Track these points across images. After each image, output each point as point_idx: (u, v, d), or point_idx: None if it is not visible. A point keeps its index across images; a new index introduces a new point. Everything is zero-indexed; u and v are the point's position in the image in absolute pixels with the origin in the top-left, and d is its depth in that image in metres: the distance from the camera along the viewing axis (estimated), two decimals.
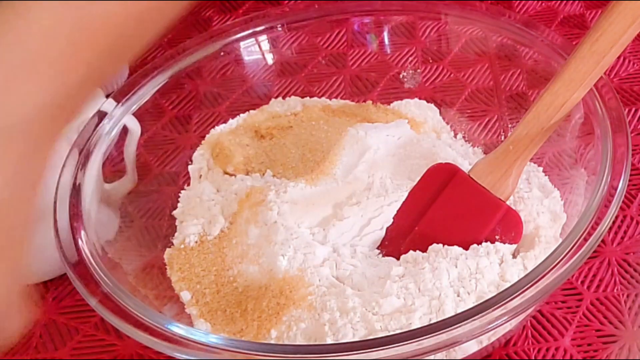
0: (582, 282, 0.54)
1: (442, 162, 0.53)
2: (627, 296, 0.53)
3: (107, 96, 0.57)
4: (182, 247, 0.53)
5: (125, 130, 0.56)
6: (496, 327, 0.39)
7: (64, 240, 0.46)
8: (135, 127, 0.56)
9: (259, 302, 0.48)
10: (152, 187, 0.59)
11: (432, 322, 0.42)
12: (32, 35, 0.35)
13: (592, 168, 0.49)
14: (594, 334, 0.51)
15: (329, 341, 0.44)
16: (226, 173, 0.58)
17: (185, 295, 0.50)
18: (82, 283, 0.43)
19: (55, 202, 0.48)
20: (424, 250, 0.49)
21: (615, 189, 0.44)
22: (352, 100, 0.66)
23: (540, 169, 0.56)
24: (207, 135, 0.61)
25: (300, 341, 0.45)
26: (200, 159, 0.59)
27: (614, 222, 0.53)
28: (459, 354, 0.47)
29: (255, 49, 0.64)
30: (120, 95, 0.56)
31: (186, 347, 0.40)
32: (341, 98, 0.66)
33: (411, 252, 0.49)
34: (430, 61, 0.67)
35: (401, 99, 0.64)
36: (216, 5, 0.86)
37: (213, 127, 0.62)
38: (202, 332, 0.41)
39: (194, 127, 0.64)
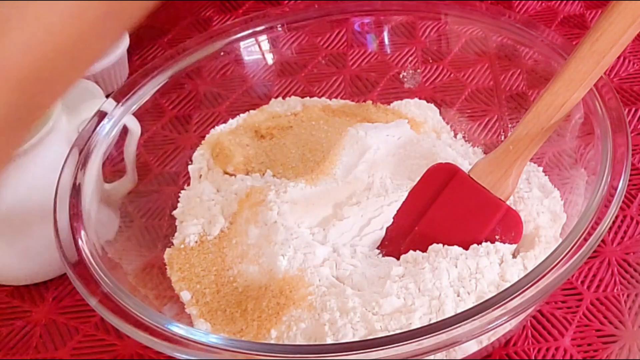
0: (582, 282, 0.54)
1: (442, 162, 0.53)
2: (627, 296, 0.53)
3: (107, 96, 0.57)
4: (182, 247, 0.53)
5: (125, 130, 0.56)
6: (496, 327, 0.39)
7: (64, 240, 0.46)
8: (135, 127, 0.56)
9: (259, 302, 0.48)
10: (152, 187, 0.59)
11: (432, 322, 0.42)
12: None
13: (592, 168, 0.49)
14: (594, 334, 0.51)
15: (329, 341, 0.44)
16: (226, 173, 0.58)
17: (185, 295, 0.50)
18: (82, 283, 0.43)
19: (55, 202, 0.48)
20: (424, 250, 0.49)
21: (615, 189, 0.44)
22: (352, 100, 0.66)
23: (540, 169, 0.56)
24: (207, 135, 0.61)
25: (300, 341, 0.45)
26: (200, 159, 0.59)
27: (614, 222, 0.53)
28: (459, 354, 0.47)
29: (255, 49, 0.64)
30: (120, 95, 0.56)
31: (186, 347, 0.40)
32: (341, 98, 0.66)
33: (411, 252, 0.49)
34: (430, 61, 0.67)
35: (401, 99, 0.64)
36: (216, 5, 0.86)
37: (213, 127, 0.62)
38: (202, 332, 0.41)
39: (194, 127, 0.64)
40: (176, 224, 0.55)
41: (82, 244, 0.46)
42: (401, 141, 0.57)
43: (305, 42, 0.67)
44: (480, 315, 0.39)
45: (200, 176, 0.58)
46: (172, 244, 0.54)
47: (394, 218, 0.53)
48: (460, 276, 0.46)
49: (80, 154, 0.51)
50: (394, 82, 0.66)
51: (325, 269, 0.48)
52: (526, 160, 0.50)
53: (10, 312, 0.57)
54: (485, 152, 0.60)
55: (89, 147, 0.52)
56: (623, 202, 0.50)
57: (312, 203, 0.52)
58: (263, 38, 0.63)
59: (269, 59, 0.66)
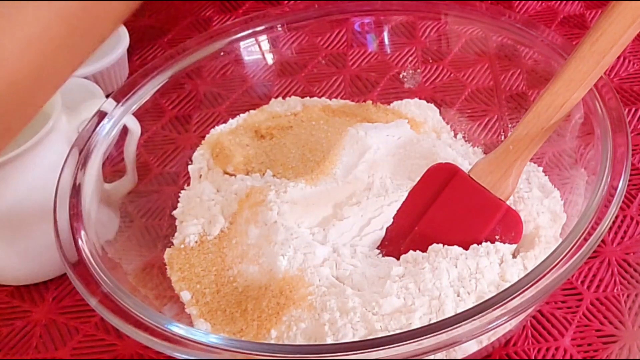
0: (582, 282, 0.54)
1: (442, 162, 0.53)
2: (627, 296, 0.53)
3: (107, 96, 0.57)
4: (182, 247, 0.53)
5: (125, 130, 0.56)
6: (496, 327, 0.39)
7: (64, 240, 0.46)
8: (135, 127, 0.56)
9: (259, 302, 0.48)
10: (152, 187, 0.59)
11: (432, 322, 0.42)
12: None
13: (592, 168, 0.49)
14: (594, 334, 0.51)
15: (329, 341, 0.44)
16: (226, 173, 0.58)
17: (185, 295, 0.50)
18: (82, 283, 0.43)
19: (55, 202, 0.48)
20: (424, 250, 0.49)
21: (615, 189, 0.44)
22: (352, 100, 0.66)
23: (540, 169, 0.56)
24: (207, 135, 0.61)
25: (300, 341, 0.45)
26: (200, 159, 0.59)
27: (614, 222, 0.53)
28: (459, 354, 0.47)
29: (255, 49, 0.64)
30: (120, 95, 0.56)
31: (186, 347, 0.40)
32: (341, 98, 0.66)
33: (411, 252, 0.49)
34: (430, 61, 0.67)
35: (401, 99, 0.64)
36: (216, 5, 0.86)
37: (213, 127, 0.62)
38: (202, 332, 0.41)
39: (194, 127, 0.64)
40: (176, 224, 0.55)
41: (82, 244, 0.46)
42: (401, 141, 0.57)
43: (305, 42, 0.67)
44: (480, 315, 0.39)
45: (200, 176, 0.58)
46: (172, 244, 0.54)
47: (394, 218, 0.53)
48: (460, 276, 0.46)
49: (80, 154, 0.51)
50: (394, 82, 0.66)
51: (325, 269, 0.48)
52: (526, 160, 0.50)
53: (10, 312, 0.57)
54: (485, 152, 0.60)
55: (89, 147, 0.52)
56: (623, 202, 0.50)
57: (312, 203, 0.52)
58: (263, 38, 0.63)
59: (269, 59, 0.66)
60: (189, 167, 0.59)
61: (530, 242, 0.51)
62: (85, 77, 0.69)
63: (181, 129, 0.63)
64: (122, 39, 0.74)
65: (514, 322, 0.48)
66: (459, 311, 0.43)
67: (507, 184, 0.50)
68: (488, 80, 0.65)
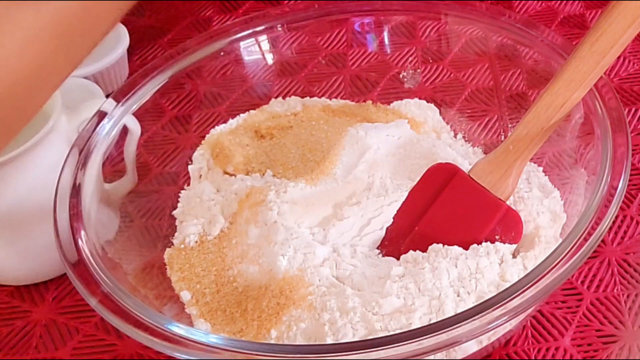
0: (582, 282, 0.54)
1: (442, 162, 0.53)
2: (627, 296, 0.53)
3: (107, 96, 0.57)
4: (182, 247, 0.53)
5: (125, 130, 0.56)
6: (496, 327, 0.39)
7: (64, 240, 0.46)
8: (135, 127, 0.56)
9: (259, 302, 0.48)
10: (152, 187, 0.59)
11: (432, 322, 0.42)
12: None
13: (592, 168, 0.49)
14: (594, 334, 0.51)
15: (329, 341, 0.44)
16: (226, 173, 0.58)
17: (185, 295, 0.50)
18: (82, 283, 0.43)
19: (55, 202, 0.48)
20: (424, 250, 0.49)
21: (615, 189, 0.44)
22: (352, 100, 0.66)
23: (540, 169, 0.56)
24: (207, 135, 0.61)
25: (300, 341, 0.45)
26: (200, 159, 0.59)
27: (614, 222, 0.53)
28: (459, 354, 0.47)
29: (255, 49, 0.64)
30: (120, 95, 0.56)
31: (186, 347, 0.40)
32: (341, 98, 0.66)
33: (411, 252, 0.49)
34: (430, 61, 0.67)
35: (401, 99, 0.64)
36: (216, 5, 0.86)
37: (213, 127, 0.62)
38: (202, 332, 0.41)
39: (194, 127, 0.64)
40: (176, 224, 0.55)
41: (82, 244, 0.46)
42: (401, 141, 0.57)
43: (305, 42, 0.67)
44: (480, 315, 0.39)
45: (200, 176, 0.58)
46: (172, 244, 0.54)
47: (394, 218, 0.53)
48: (460, 276, 0.46)
49: (80, 154, 0.51)
50: (394, 82, 0.66)
51: (325, 269, 0.48)
52: (526, 160, 0.50)
53: (10, 312, 0.57)
54: (485, 152, 0.60)
55: (89, 147, 0.52)
56: (623, 202, 0.50)
57: (312, 203, 0.52)
58: (263, 38, 0.63)
59: (269, 59, 0.66)
60: (189, 167, 0.59)
61: (530, 242, 0.51)
62: (85, 77, 0.69)
63: (181, 129, 0.63)
64: (122, 39, 0.74)
65: (514, 322, 0.48)
66: (459, 311, 0.43)
67: (507, 184, 0.50)
68: (488, 80, 0.65)
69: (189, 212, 0.55)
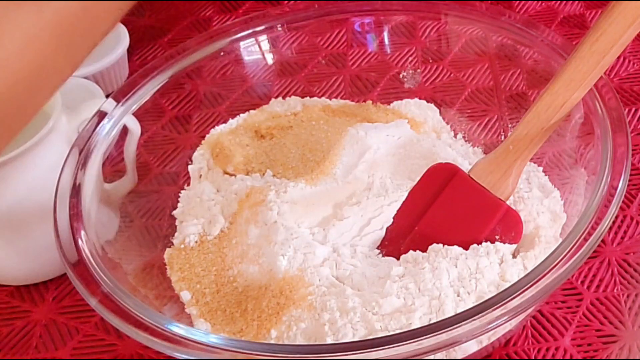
0: (582, 282, 0.54)
1: (442, 162, 0.53)
2: (627, 296, 0.53)
3: (107, 96, 0.57)
4: (182, 247, 0.53)
5: (125, 130, 0.56)
6: (496, 327, 0.39)
7: (64, 240, 0.46)
8: (135, 127, 0.56)
9: (259, 302, 0.48)
10: (152, 187, 0.59)
11: (432, 322, 0.42)
12: None
13: (592, 168, 0.49)
14: (594, 334, 0.51)
15: (329, 341, 0.44)
16: (226, 173, 0.58)
17: (185, 295, 0.50)
18: (82, 283, 0.43)
19: (55, 202, 0.48)
20: (424, 250, 0.49)
21: (615, 189, 0.44)
22: (352, 100, 0.66)
23: (540, 169, 0.56)
24: (207, 135, 0.61)
25: (300, 341, 0.45)
26: (200, 159, 0.59)
27: (614, 222, 0.53)
28: (459, 354, 0.47)
29: (255, 49, 0.64)
30: (120, 95, 0.56)
31: (186, 347, 0.40)
32: (341, 98, 0.66)
33: (411, 252, 0.49)
34: (430, 61, 0.67)
35: (401, 99, 0.64)
36: (216, 5, 0.86)
37: (213, 127, 0.62)
38: (202, 332, 0.41)
39: (194, 127, 0.64)
40: (176, 224, 0.55)
41: (82, 244, 0.46)
42: (401, 141, 0.57)
43: (305, 42, 0.67)
44: (480, 315, 0.39)
45: (200, 176, 0.58)
46: (172, 244, 0.54)
47: (394, 218, 0.53)
48: (460, 276, 0.46)
49: (80, 154, 0.51)
50: (394, 82, 0.66)
51: (325, 269, 0.48)
52: (526, 160, 0.50)
53: (10, 312, 0.57)
54: (485, 152, 0.60)
55: (89, 147, 0.52)
56: (623, 202, 0.50)
57: (312, 203, 0.52)
58: (263, 38, 0.63)
59: (269, 59, 0.66)
60: (189, 167, 0.59)
61: (530, 242, 0.51)
62: (85, 77, 0.69)
63: (181, 129, 0.63)
64: (122, 39, 0.74)
65: (514, 322, 0.48)
66: (459, 311, 0.43)
67: (507, 184, 0.50)
68: (488, 80, 0.65)
69: (189, 212, 0.55)
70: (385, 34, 0.67)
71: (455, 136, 0.62)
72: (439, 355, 0.46)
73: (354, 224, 0.52)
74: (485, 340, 0.48)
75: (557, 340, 0.51)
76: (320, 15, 0.63)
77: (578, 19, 0.78)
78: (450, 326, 0.38)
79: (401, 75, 0.66)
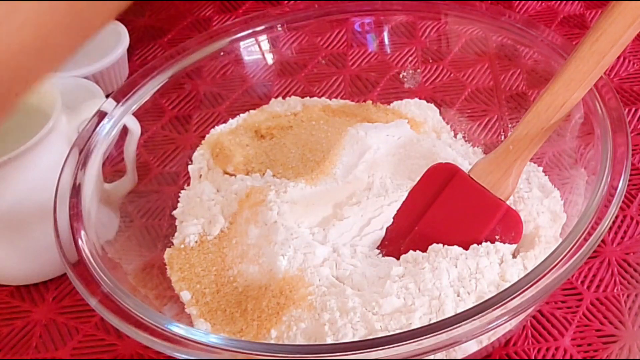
0: (582, 282, 0.54)
1: (442, 162, 0.53)
2: (627, 296, 0.53)
3: (107, 96, 0.57)
4: (182, 247, 0.53)
5: (125, 130, 0.56)
6: (496, 327, 0.39)
7: (64, 240, 0.46)
8: (135, 127, 0.56)
9: (259, 302, 0.48)
10: (152, 187, 0.59)
11: (432, 322, 0.42)
12: None
13: (592, 168, 0.49)
14: (594, 334, 0.51)
15: (329, 341, 0.44)
16: (226, 173, 0.58)
17: (185, 295, 0.50)
18: (82, 283, 0.43)
19: (55, 202, 0.48)
20: (424, 250, 0.49)
21: (615, 189, 0.44)
22: (352, 100, 0.66)
23: (540, 169, 0.56)
24: (207, 135, 0.61)
25: (300, 341, 0.45)
26: (200, 159, 0.59)
27: (614, 222, 0.53)
28: (459, 354, 0.47)
29: (255, 49, 0.64)
30: (120, 95, 0.56)
31: (186, 347, 0.40)
32: (341, 98, 0.66)
33: (411, 252, 0.49)
34: (430, 61, 0.67)
35: (401, 99, 0.64)
36: (216, 5, 0.86)
37: (213, 127, 0.62)
38: (202, 332, 0.41)
39: (194, 127, 0.64)
40: (176, 224, 0.55)
41: (82, 244, 0.46)
42: (401, 141, 0.57)
43: (305, 42, 0.67)
44: (480, 315, 0.39)
45: (200, 176, 0.58)
46: (172, 244, 0.54)
47: (394, 218, 0.53)
48: (460, 276, 0.46)
49: (80, 154, 0.51)
50: (394, 82, 0.66)
51: (325, 269, 0.48)
52: (526, 160, 0.50)
53: (10, 312, 0.57)
54: (485, 152, 0.60)
55: (89, 147, 0.52)
56: (623, 202, 0.50)
57: (312, 203, 0.52)
58: (263, 38, 0.63)
59: (269, 59, 0.66)
60: (189, 167, 0.59)
61: (530, 242, 0.51)
62: (85, 77, 0.69)
63: (181, 129, 0.63)
64: (122, 39, 0.74)
65: (514, 322, 0.48)
66: (459, 311, 0.43)
67: (507, 184, 0.50)
68: (488, 80, 0.65)
69: (189, 212, 0.55)
70: (385, 34, 0.67)
71: (455, 136, 0.62)
72: (439, 355, 0.46)
73: (354, 224, 0.52)
74: (485, 340, 0.48)
75: (557, 340, 0.51)
76: (320, 15, 0.63)
77: (578, 19, 0.78)
78: (450, 326, 0.38)
79: (401, 75, 0.66)
